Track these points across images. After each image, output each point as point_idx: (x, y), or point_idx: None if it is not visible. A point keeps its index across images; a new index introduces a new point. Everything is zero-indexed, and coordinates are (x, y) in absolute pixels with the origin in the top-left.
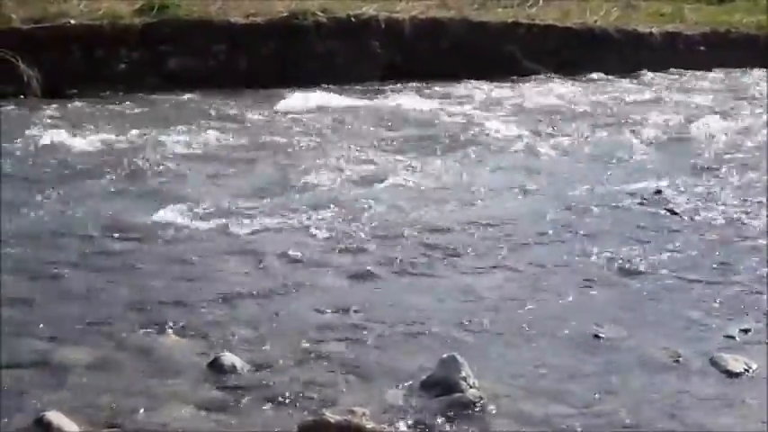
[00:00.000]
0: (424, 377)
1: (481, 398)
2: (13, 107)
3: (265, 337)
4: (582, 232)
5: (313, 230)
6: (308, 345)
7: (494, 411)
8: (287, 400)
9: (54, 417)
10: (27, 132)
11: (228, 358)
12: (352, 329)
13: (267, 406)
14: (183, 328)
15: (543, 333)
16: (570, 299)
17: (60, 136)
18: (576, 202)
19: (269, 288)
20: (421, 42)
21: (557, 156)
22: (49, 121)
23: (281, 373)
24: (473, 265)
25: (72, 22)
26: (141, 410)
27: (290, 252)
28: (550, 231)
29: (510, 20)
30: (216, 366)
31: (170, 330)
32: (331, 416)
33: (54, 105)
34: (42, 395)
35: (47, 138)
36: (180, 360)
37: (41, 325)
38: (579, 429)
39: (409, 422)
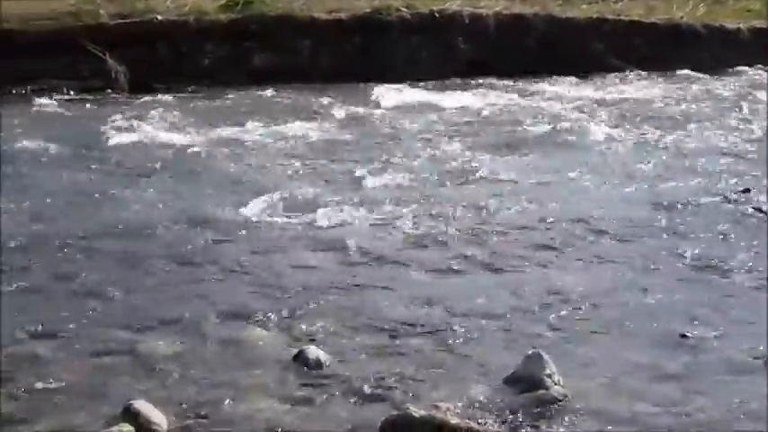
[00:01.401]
0: (508, 373)
1: (566, 395)
2: (101, 102)
3: (349, 330)
4: (669, 230)
5: (398, 225)
6: (391, 339)
7: (578, 409)
8: (371, 394)
9: (141, 406)
10: (114, 127)
11: (313, 351)
12: (436, 324)
13: (351, 400)
14: (267, 321)
15: (629, 331)
16: (657, 297)
17: (147, 130)
18: (663, 200)
19: (353, 282)
20: (505, 38)
21: (642, 153)
22: (135, 115)
23: (365, 367)
24: (558, 261)
25: (159, 17)
26: (227, 402)
27: (375, 246)
28: (636, 229)
29: (595, 15)
30: (300, 359)
31: (255, 323)
32: (415, 410)
33: (141, 100)
34: (130, 385)
35: (133, 132)
36: (265, 353)
37: (130, 316)
38: (664, 429)
39: (493, 418)
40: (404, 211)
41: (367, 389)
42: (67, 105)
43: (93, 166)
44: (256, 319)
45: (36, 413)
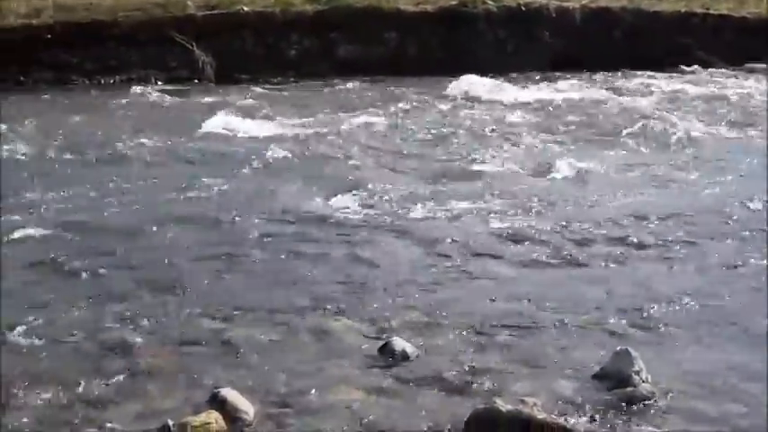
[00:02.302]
0: (595, 370)
1: (653, 393)
2: (188, 91)
3: (435, 323)
4: (761, 229)
5: (486, 218)
6: (478, 333)
7: (666, 407)
8: (456, 388)
9: (228, 394)
10: (201, 116)
11: (399, 343)
12: (523, 318)
13: (437, 392)
14: (354, 312)
15: (719, 330)
16: (749, 296)
17: (234, 121)
18: (755, 198)
19: (441, 275)
20: (591, 31)
21: (732, 149)
22: (222, 106)
23: (451, 359)
24: (647, 257)
25: (245, 9)
26: (312, 392)
27: (463, 240)
28: (728, 226)
29: (683, 9)
30: (386, 351)
31: (342, 314)
32: (502, 405)
33: (227, 90)
34: (217, 372)
35: (220, 122)
36: (351, 344)
37: (218, 304)
38: (753, 429)
39: (581, 414)
40: (492, 204)
41: (453, 382)
42: (155, 95)
43: (181, 156)
44: (343, 310)
45: (125, 398)
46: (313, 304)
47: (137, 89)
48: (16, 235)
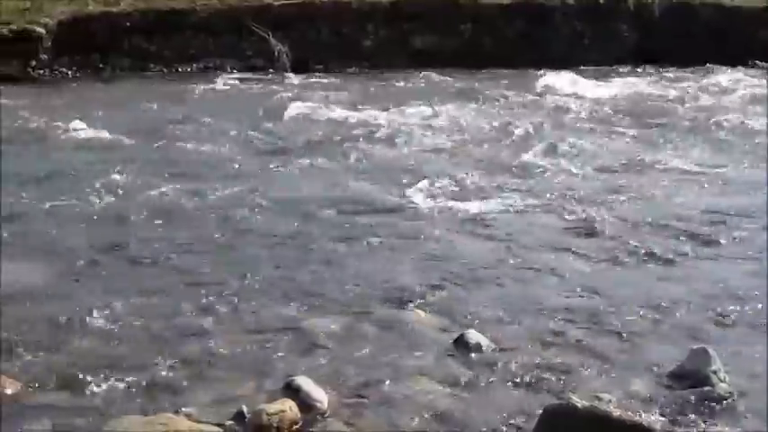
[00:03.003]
0: (672, 368)
1: (731, 393)
2: (264, 80)
3: (509, 317)
4: None
5: (561, 213)
6: (552, 327)
7: (743, 408)
8: (530, 382)
9: (303, 382)
10: (277, 105)
11: (473, 336)
12: (597, 315)
13: (510, 386)
14: (428, 304)
15: None
16: None
17: (309, 110)
18: None
19: (515, 268)
20: (670, 26)
21: None
22: (298, 95)
23: (525, 354)
24: (724, 255)
25: None
26: (387, 383)
27: (535, 234)
28: None
29: (765, 5)
30: (461, 343)
31: (416, 305)
32: (577, 400)
33: (302, 80)
34: (291, 361)
35: (296, 111)
36: (425, 335)
37: (292, 293)
38: None
39: (656, 412)
40: (568, 199)
41: (527, 376)
42: (231, 84)
43: (256, 144)
44: (417, 301)
45: (200, 383)
46: (388, 295)
47: (213, 77)
48: (96, 218)
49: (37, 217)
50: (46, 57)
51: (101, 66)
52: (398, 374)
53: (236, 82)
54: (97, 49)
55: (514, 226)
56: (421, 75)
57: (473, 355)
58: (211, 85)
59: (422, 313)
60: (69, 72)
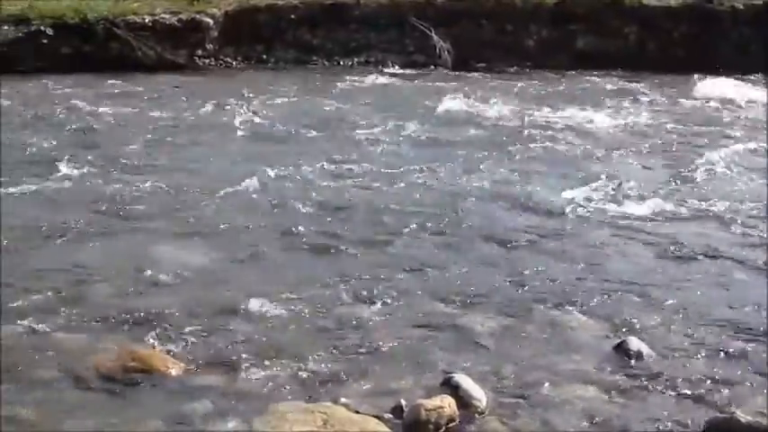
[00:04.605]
0: None
1: None
2: (425, 76)
3: (673, 325)
4: None
5: (726, 221)
6: (715, 339)
7: None
8: (692, 393)
9: (462, 380)
10: (438, 101)
11: (635, 343)
12: (762, 328)
13: (671, 396)
14: (589, 308)
15: None
16: None
17: (469, 107)
18: None
19: (678, 276)
20: None
21: None
22: (460, 92)
23: (687, 364)
24: None
25: None
26: (545, 385)
27: (703, 242)
28: None
29: None
30: (622, 350)
31: (576, 308)
32: (741, 415)
33: (464, 77)
34: (449, 357)
35: (456, 107)
36: (585, 339)
37: (450, 290)
38: None
39: None
40: (733, 207)
41: (689, 387)
42: (393, 78)
43: (413, 138)
44: (577, 304)
45: (359, 375)
46: (548, 297)
47: (375, 71)
48: (264, 205)
49: (210, 204)
50: (212, 46)
51: (264, 57)
52: (557, 377)
53: (397, 78)
54: (262, 41)
55: (678, 233)
56: (584, 76)
57: (633, 362)
58: (372, 79)
59: (582, 317)
60: (234, 62)
